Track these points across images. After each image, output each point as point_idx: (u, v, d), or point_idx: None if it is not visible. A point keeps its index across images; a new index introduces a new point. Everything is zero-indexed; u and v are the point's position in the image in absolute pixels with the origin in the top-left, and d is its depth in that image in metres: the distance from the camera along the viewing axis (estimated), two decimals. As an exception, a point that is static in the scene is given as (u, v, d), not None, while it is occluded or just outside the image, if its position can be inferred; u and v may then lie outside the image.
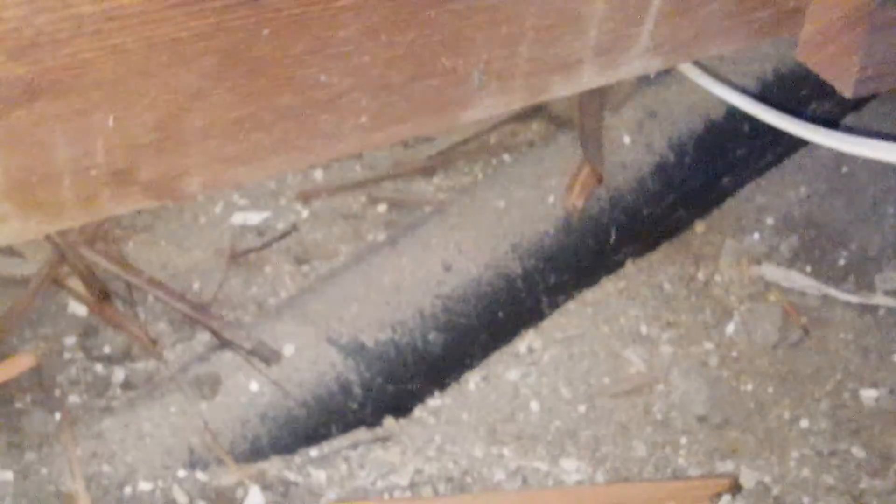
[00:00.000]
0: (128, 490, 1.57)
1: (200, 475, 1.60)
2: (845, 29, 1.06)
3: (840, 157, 2.10)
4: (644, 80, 2.08)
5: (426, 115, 0.99)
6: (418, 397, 1.78)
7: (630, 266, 1.97)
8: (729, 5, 1.07)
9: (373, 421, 1.72)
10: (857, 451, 1.73)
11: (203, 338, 1.80)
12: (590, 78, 1.05)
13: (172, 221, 2.01)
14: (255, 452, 1.64)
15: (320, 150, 0.95)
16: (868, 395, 1.81)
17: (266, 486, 1.58)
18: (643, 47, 1.05)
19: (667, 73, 2.09)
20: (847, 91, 1.09)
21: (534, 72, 1.01)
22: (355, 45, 0.89)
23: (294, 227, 2.02)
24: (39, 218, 0.84)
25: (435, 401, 1.78)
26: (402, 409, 1.76)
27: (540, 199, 1.88)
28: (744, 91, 1.77)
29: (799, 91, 2.00)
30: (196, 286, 1.92)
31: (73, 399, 1.75)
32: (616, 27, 1.01)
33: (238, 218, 2.03)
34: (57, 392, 1.75)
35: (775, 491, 1.67)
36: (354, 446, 1.67)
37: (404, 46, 0.91)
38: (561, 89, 1.05)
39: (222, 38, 0.81)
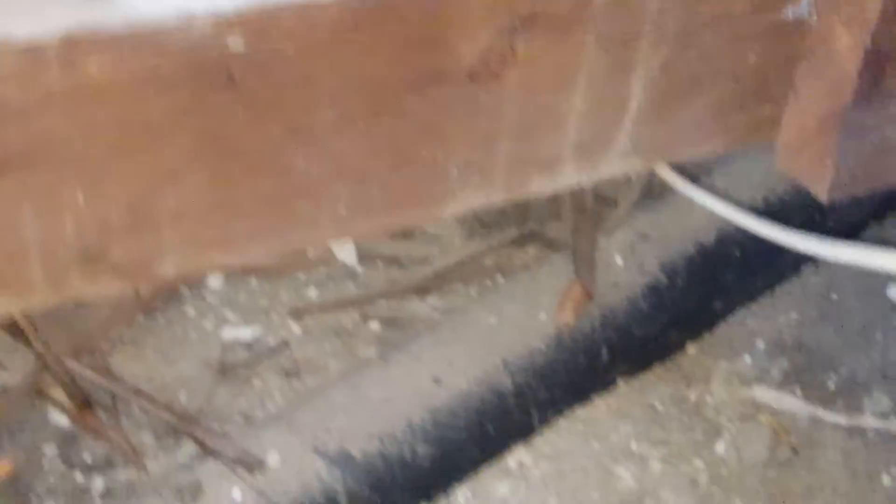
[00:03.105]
0: None
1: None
2: (819, 134, 1.07)
3: (829, 285, 2.13)
4: (638, 207, 2.09)
5: (405, 207, 0.99)
6: (405, 510, 1.75)
7: (622, 385, 1.95)
8: (706, 111, 1.08)
9: (357, 534, 1.69)
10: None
11: (188, 449, 1.78)
12: (570, 175, 1.06)
13: (161, 335, 2.00)
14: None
15: (298, 236, 0.94)
16: (858, 516, 1.78)
17: None
18: (622, 147, 1.06)
19: (660, 199, 2.11)
20: (822, 196, 1.09)
21: (514, 167, 1.01)
22: (332, 132, 0.89)
23: (285, 344, 2.01)
24: (8, 295, 0.83)
25: (422, 515, 1.75)
26: (387, 522, 1.73)
27: (532, 316, 1.88)
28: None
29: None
30: (183, 398, 1.90)
31: (51, 508, 1.72)
32: (594, 125, 1.02)
33: (228, 333, 2.02)
34: (34, 500, 1.72)
35: None
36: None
37: (383, 136, 0.92)
38: (541, 186, 1.05)
39: (196, 119, 0.81)
